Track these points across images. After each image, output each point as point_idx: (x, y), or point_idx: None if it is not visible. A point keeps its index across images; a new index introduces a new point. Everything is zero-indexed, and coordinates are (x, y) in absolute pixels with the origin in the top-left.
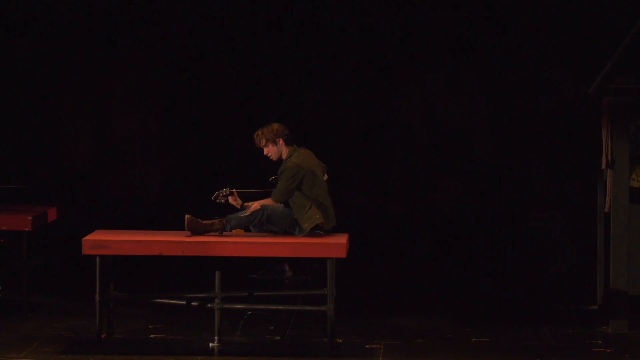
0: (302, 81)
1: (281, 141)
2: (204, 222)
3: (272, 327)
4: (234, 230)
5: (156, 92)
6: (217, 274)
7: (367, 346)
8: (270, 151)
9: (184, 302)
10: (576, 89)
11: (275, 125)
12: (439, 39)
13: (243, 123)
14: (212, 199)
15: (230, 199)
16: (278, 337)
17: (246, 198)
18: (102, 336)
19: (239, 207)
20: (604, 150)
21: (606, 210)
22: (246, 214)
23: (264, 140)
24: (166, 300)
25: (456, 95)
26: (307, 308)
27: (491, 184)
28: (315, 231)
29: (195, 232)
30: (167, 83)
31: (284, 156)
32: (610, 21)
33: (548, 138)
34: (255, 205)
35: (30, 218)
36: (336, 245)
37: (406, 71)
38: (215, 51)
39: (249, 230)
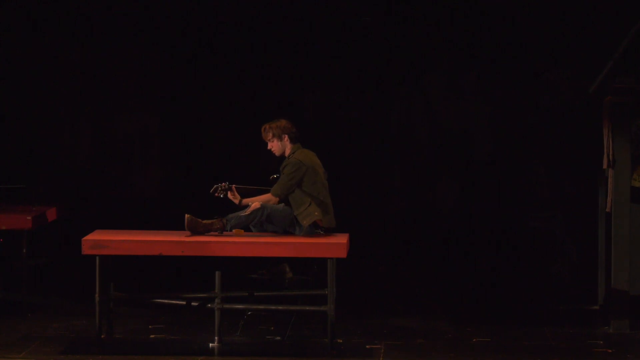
0: (302, 81)
1: (286, 138)
2: (204, 221)
3: (272, 327)
4: (234, 230)
5: (156, 92)
6: (217, 274)
7: (367, 346)
8: (274, 146)
9: (184, 302)
10: (576, 88)
11: (284, 122)
12: (439, 39)
13: (243, 123)
14: (211, 192)
15: (229, 194)
16: (278, 337)
17: (245, 194)
18: (102, 336)
19: (237, 203)
20: (605, 150)
21: (607, 210)
22: (246, 213)
23: (270, 135)
24: (166, 300)
25: (456, 95)
26: (307, 308)
27: (491, 184)
28: (315, 230)
29: (195, 231)
30: (167, 83)
31: (287, 153)
32: (610, 21)
33: (548, 138)
34: (255, 204)
35: (30, 218)
36: (336, 245)
37: (406, 71)
38: (215, 51)
39: (249, 230)
